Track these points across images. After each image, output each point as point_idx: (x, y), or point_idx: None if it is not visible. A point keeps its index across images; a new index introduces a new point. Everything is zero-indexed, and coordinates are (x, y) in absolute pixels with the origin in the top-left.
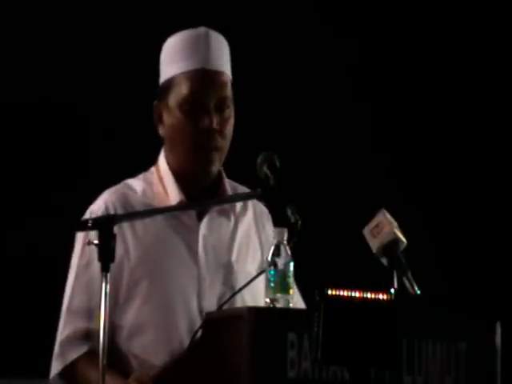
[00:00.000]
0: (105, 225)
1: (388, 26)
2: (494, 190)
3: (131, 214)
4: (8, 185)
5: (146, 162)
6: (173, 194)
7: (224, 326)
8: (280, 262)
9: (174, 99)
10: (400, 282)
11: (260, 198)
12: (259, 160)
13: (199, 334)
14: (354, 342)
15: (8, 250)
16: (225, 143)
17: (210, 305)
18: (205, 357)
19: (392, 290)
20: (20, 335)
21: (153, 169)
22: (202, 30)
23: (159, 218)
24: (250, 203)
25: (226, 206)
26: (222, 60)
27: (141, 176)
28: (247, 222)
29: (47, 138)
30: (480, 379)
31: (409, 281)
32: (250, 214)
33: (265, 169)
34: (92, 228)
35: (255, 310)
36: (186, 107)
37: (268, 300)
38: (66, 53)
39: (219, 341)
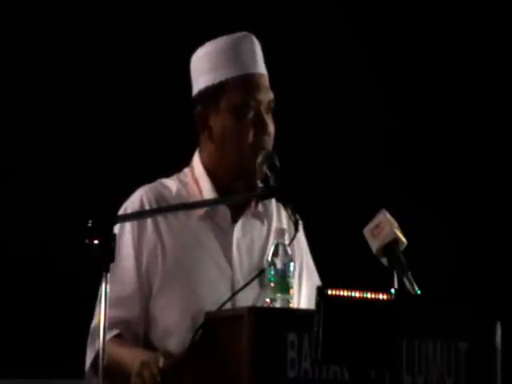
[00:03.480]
0: (105, 225)
1: (391, 32)
2: (493, 190)
3: (133, 214)
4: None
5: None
6: (207, 194)
7: (224, 326)
8: (280, 261)
9: (226, 104)
10: (400, 282)
11: (260, 198)
12: (259, 160)
13: (199, 333)
14: (354, 342)
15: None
16: (271, 143)
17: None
18: (205, 357)
19: (392, 290)
20: (20, 335)
21: (187, 170)
22: (243, 34)
23: (194, 217)
24: (282, 209)
25: (261, 210)
26: (263, 63)
27: (174, 176)
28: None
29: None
30: (480, 379)
31: (409, 281)
32: (284, 220)
33: (265, 169)
34: (92, 228)
35: (255, 310)
36: (240, 111)
37: (268, 300)
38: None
39: (219, 341)
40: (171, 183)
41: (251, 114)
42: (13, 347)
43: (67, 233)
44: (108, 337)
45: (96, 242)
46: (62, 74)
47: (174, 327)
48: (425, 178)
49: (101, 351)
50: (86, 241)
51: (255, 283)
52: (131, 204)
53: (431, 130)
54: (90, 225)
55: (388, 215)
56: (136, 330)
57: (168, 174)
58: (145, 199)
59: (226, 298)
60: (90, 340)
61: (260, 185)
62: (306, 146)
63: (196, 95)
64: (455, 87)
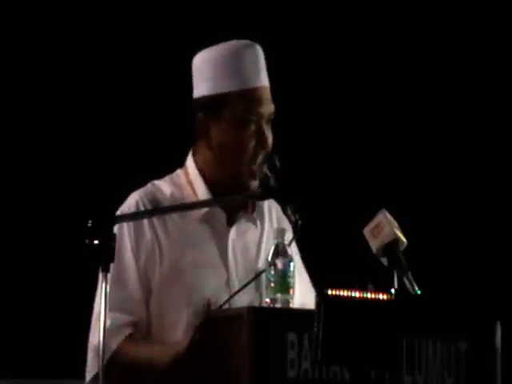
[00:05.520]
0: (105, 225)
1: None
2: (494, 190)
3: (133, 215)
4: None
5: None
6: (203, 197)
7: (224, 325)
8: (280, 261)
9: (229, 116)
10: (400, 282)
11: (260, 198)
12: (259, 160)
13: (199, 333)
14: (354, 342)
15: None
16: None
17: None
18: (205, 357)
19: (392, 290)
20: (20, 335)
21: (180, 172)
22: (246, 43)
23: (191, 220)
24: (274, 208)
25: (255, 215)
26: (266, 73)
27: (167, 178)
28: (272, 229)
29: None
30: (480, 379)
31: (409, 281)
32: (274, 221)
33: (265, 169)
34: (92, 228)
35: (255, 310)
36: (242, 125)
37: (268, 300)
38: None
39: (219, 341)
40: (165, 186)
41: (252, 128)
42: (13, 347)
43: (67, 233)
44: (120, 337)
45: (96, 242)
46: (67, 81)
47: (170, 329)
48: (424, 177)
49: (101, 352)
50: (86, 241)
51: (251, 286)
52: (127, 208)
53: (432, 131)
54: (89, 225)
55: (388, 215)
56: (142, 333)
57: (167, 174)
58: (140, 203)
59: (222, 300)
60: (92, 354)
61: (255, 185)
62: (306, 146)
63: (197, 99)
64: (453, 88)
